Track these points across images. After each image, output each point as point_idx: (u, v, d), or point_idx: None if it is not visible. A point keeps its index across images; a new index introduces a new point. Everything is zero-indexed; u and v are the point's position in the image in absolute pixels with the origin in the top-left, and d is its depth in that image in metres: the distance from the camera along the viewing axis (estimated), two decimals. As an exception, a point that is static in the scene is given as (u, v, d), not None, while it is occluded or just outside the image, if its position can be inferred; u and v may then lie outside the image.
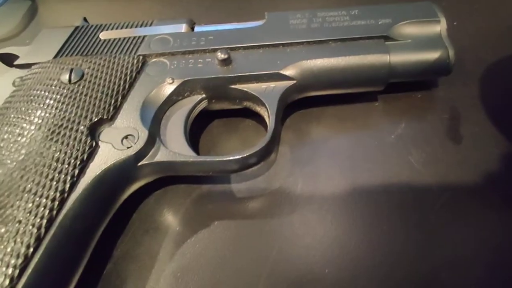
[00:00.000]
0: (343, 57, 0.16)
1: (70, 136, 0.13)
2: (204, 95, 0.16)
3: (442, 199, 0.15)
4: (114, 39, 0.17)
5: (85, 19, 0.19)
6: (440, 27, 0.16)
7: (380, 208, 0.15)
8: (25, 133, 0.13)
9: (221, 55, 0.15)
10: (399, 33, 0.16)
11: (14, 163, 0.13)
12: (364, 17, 0.17)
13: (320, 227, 0.15)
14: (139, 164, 0.14)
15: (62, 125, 0.13)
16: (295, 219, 0.15)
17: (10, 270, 0.11)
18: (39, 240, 0.12)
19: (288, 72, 0.15)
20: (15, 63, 0.17)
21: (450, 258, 0.14)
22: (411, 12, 0.17)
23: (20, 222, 0.12)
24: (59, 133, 0.13)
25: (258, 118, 0.17)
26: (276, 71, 0.15)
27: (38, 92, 0.14)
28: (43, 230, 0.12)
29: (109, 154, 0.13)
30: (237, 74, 0.15)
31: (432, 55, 0.16)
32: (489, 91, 0.18)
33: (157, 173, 0.15)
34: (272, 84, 0.15)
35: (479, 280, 0.14)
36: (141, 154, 0.14)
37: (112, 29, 0.18)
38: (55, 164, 0.13)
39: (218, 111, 0.17)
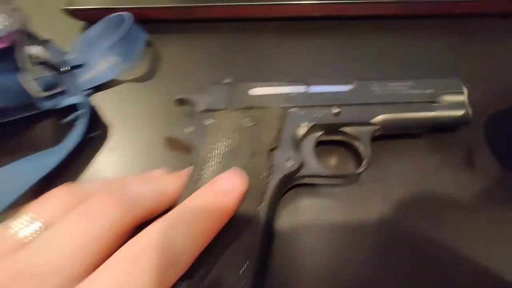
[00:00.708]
0: (408, 113, 0.26)
1: (261, 155, 0.23)
2: (322, 132, 0.26)
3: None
4: (262, 95, 0.27)
5: (230, 80, 0.29)
6: (463, 97, 0.27)
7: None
8: (233, 151, 0.23)
9: (335, 110, 0.26)
10: (439, 99, 0.27)
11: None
12: (416, 87, 0.27)
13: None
14: (296, 175, 0.24)
15: (255, 148, 0.24)
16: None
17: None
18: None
19: (375, 121, 0.26)
20: (201, 109, 0.26)
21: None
22: (447, 85, 0.27)
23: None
24: (254, 154, 0.23)
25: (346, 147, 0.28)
26: (366, 121, 0.26)
27: (231, 130, 0.25)
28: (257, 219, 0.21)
29: (281, 168, 0.23)
30: (346, 121, 0.26)
31: (458, 113, 0.27)
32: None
33: (303, 179, 0.25)
34: (366, 128, 0.26)
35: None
36: (298, 169, 0.24)
37: (255, 87, 0.28)
38: (255, 174, 0.23)
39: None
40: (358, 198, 0.26)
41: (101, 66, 0.31)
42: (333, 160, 0.27)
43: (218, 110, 0.26)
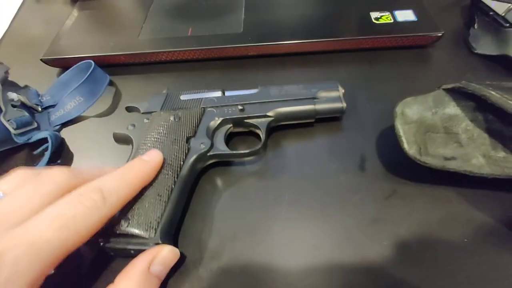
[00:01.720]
0: (296, 106, 0.35)
1: (180, 142, 0.32)
2: (231, 124, 0.35)
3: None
4: (188, 100, 0.36)
5: (168, 88, 0.38)
6: (339, 93, 0.35)
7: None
8: (158, 138, 0.32)
9: (240, 107, 0.34)
10: (320, 95, 0.35)
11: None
12: (304, 88, 0.36)
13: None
14: (208, 154, 0.32)
15: (176, 137, 0.32)
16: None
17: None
18: (173, 185, 0.29)
19: (270, 113, 0.34)
20: (143, 111, 0.35)
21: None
22: (327, 86, 0.35)
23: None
24: (175, 140, 0.32)
25: (257, 136, 0.36)
26: (266, 113, 0.34)
27: (162, 124, 0.33)
28: (172, 186, 0.29)
29: (195, 149, 0.32)
30: (247, 115, 0.34)
31: (335, 105, 0.35)
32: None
33: (213, 158, 0.33)
34: (263, 119, 0.34)
35: None
36: (207, 150, 0.32)
37: (185, 94, 0.37)
38: (175, 156, 0.31)
39: (237, 132, 0.36)
40: (265, 173, 0.34)
41: (70, 105, 0.38)
42: (245, 145, 0.36)
43: (154, 112, 0.34)
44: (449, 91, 0.29)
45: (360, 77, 0.40)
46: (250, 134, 0.35)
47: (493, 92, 0.25)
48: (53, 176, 0.23)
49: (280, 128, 0.36)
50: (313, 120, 0.36)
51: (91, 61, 0.40)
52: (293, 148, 0.35)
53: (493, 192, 0.29)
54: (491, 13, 0.39)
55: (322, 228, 0.29)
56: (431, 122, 0.27)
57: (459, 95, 0.28)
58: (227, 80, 0.42)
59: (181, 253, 0.27)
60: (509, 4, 0.38)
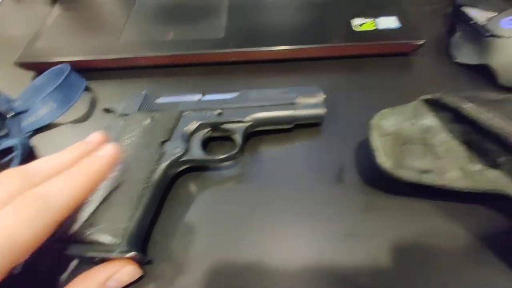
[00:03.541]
0: (274, 112, 0.34)
1: (154, 145, 0.31)
2: (209, 129, 0.34)
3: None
4: (166, 103, 0.35)
5: (146, 90, 0.37)
6: (320, 99, 0.35)
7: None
8: (132, 140, 0.31)
9: (217, 112, 0.34)
10: (300, 101, 0.35)
11: (130, 158, 0.30)
12: (285, 92, 0.35)
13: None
14: (181, 160, 0.31)
15: (150, 140, 0.31)
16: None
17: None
18: (144, 189, 0.29)
19: (247, 119, 0.34)
20: (119, 113, 0.34)
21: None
22: (308, 91, 0.35)
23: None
24: (149, 144, 0.31)
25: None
26: (243, 119, 0.34)
27: (137, 127, 0.32)
28: (143, 191, 0.28)
29: (169, 154, 0.31)
30: (224, 120, 0.34)
31: (315, 111, 0.35)
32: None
33: (187, 163, 0.32)
34: (240, 124, 0.34)
35: None
36: (183, 154, 0.31)
37: (164, 97, 0.36)
38: (148, 160, 0.30)
39: (216, 136, 0.35)
40: (241, 180, 0.33)
41: (42, 111, 0.36)
42: (223, 150, 0.35)
43: (130, 114, 0.34)
44: (427, 102, 0.28)
45: (341, 85, 0.40)
46: (229, 138, 0.35)
47: (466, 106, 0.25)
48: (3, 182, 0.22)
49: (260, 132, 0.35)
50: (292, 126, 0.35)
51: (67, 65, 0.39)
52: (271, 154, 0.35)
53: (469, 205, 0.29)
54: (471, 22, 0.39)
55: (294, 240, 0.29)
56: (409, 133, 0.27)
57: (437, 106, 0.28)
58: (207, 86, 0.41)
59: (148, 261, 0.26)
60: (489, 14, 0.38)
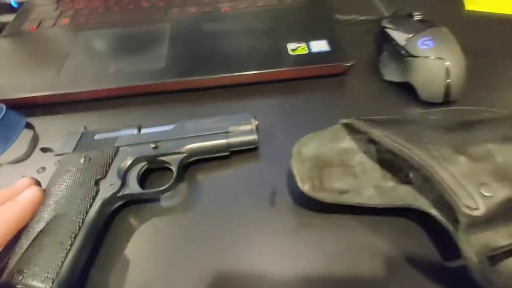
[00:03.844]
0: (208, 142, 0.35)
1: (88, 185, 0.32)
2: (145, 162, 0.35)
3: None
4: (102, 139, 0.36)
5: (85, 127, 0.38)
6: (251, 126, 0.36)
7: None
8: (65, 181, 0.31)
9: (153, 145, 0.35)
10: (233, 129, 0.36)
11: (63, 199, 0.31)
12: (218, 122, 0.37)
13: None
14: (117, 195, 0.32)
15: (84, 180, 0.32)
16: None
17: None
18: (78, 230, 0.29)
19: (182, 150, 0.35)
20: (55, 153, 0.35)
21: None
22: (240, 119, 0.36)
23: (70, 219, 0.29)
24: (83, 183, 0.32)
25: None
26: (178, 150, 0.35)
27: (71, 167, 0.33)
28: (76, 232, 0.29)
29: (104, 191, 0.32)
30: (160, 153, 0.34)
31: (248, 138, 0.36)
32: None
33: (124, 199, 0.33)
34: (176, 156, 0.35)
35: None
36: (118, 191, 0.32)
37: (100, 133, 0.37)
38: (82, 199, 0.31)
39: (153, 169, 0.36)
40: (179, 210, 0.34)
41: None
42: (163, 180, 0.35)
43: (65, 153, 0.34)
44: (344, 125, 0.30)
45: (278, 108, 0.42)
46: (170, 168, 0.35)
47: (372, 130, 0.27)
48: None
49: (199, 160, 0.36)
50: (227, 153, 0.36)
51: (2, 104, 0.39)
52: (210, 181, 0.36)
53: (390, 218, 0.31)
54: (394, 42, 0.42)
55: (233, 265, 0.30)
56: (327, 157, 0.29)
57: (352, 129, 0.30)
58: (149, 116, 0.42)
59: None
60: (408, 35, 0.41)
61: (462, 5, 0.56)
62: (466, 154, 0.24)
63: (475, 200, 0.22)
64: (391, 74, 0.43)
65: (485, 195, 0.22)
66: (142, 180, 0.35)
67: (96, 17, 0.53)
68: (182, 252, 0.31)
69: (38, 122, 0.42)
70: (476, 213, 0.22)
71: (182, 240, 0.32)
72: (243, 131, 0.36)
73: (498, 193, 0.22)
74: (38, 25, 0.52)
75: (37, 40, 0.50)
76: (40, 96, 0.42)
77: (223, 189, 0.35)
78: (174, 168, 0.34)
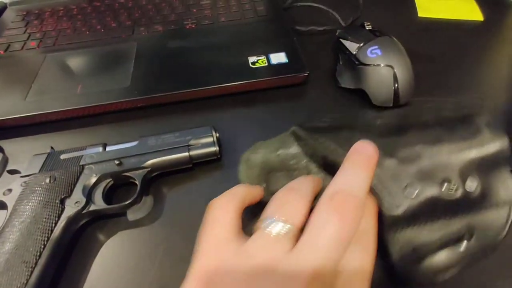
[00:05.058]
0: (170, 155, 0.37)
1: (53, 204, 0.33)
2: (110, 179, 0.36)
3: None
4: (68, 158, 0.37)
5: (52, 148, 0.39)
6: (212, 138, 0.38)
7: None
8: (31, 202, 0.33)
9: (116, 162, 0.36)
10: (194, 142, 0.38)
11: (28, 219, 0.32)
12: (179, 136, 0.38)
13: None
14: (82, 212, 0.33)
15: (49, 199, 0.33)
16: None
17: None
18: (42, 249, 0.30)
19: (145, 165, 0.36)
20: (21, 175, 0.36)
21: None
22: (201, 132, 0.38)
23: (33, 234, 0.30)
24: (48, 203, 0.33)
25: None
26: (141, 166, 0.36)
27: (36, 187, 0.34)
28: (40, 251, 0.31)
29: (69, 209, 0.33)
30: (123, 169, 0.36)
31: (210, 150, 0.38)
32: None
33: (89, 216, 0.34)
34: (140, 171, 0.36)
35: None
36: (83, 208, 0.33)
37: (66, 153, 0.38)
38: (46, 218, 0.32)
39: (119, 185, 0.38)
40: (144, 224, 0.35)
41: None
42: (130, 195, 0.37)
43: (31, 174, 0.35)
44: (292, 133, 0.32)
45: (240, 119, 0.44)
46: (135, 183, 0.37)
47: (311, 138, 0.29)
48: None
49: (164, 174, 0.38)
50: (191, 166, 0.38)
51: (-32, 131, 0.40)
52: (175, 193, 0.37)
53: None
54: (347, 52, 0.45)
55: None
56: (274, 162, 0.31)
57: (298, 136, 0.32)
58: (115, 133, 0.43)
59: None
60: (359, 44, 0.43)
61: (415, 12, 0.59)
62: (395, 156, 0.26)
63: (397, 200, 0.24)
64: (346, 81, 0.45)
65: (407, 195, 0.24)
66: (109, 196, 0.36)
67: (64, 39, 0.54)
68: (149, 264, 0.32)
69: (8, 144, 0.43)
70: (396, 212, 0.24)
71: (148, 252, 0.33)
72: (204, 144, 0.38)
73: (421, 193, 0.24)
74: (6, 48, 0.53)
75: (5, 64, 0.51)
76: (9, 119, 0.43)
77: (188, 200, 0.37)
78: (138, 183, 0.35)
